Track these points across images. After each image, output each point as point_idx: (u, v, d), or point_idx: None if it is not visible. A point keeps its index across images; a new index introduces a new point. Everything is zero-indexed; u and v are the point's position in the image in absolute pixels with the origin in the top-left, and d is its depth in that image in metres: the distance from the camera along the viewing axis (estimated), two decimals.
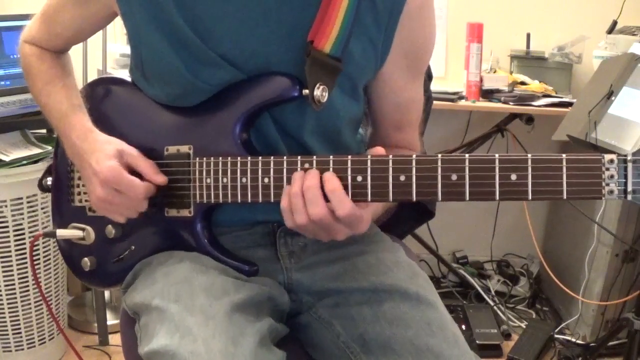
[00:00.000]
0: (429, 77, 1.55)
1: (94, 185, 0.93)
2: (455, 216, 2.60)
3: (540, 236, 2.60)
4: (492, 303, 2.44)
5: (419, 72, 1.03)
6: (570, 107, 2.04)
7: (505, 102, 2.22)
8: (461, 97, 2.26)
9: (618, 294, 2.12)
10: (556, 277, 2.22)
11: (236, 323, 0.82)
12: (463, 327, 2.22)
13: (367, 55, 0.94)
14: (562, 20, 2.46)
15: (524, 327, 2.29)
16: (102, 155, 0.93)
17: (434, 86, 1.67)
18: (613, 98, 1.65)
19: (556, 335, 2.21)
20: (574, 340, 2.20)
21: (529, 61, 2.44)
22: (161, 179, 0.93)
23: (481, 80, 2.28)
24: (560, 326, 2.30)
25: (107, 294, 2.23)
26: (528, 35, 2.46)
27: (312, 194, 0.82)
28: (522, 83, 2.34)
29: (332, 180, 0.82)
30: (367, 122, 1.09)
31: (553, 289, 2.41)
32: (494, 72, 2.41)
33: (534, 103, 2.20)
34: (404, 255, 1.02)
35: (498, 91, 2.27)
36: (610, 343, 2.01)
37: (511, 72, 2.43)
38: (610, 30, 2.27)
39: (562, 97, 2.24)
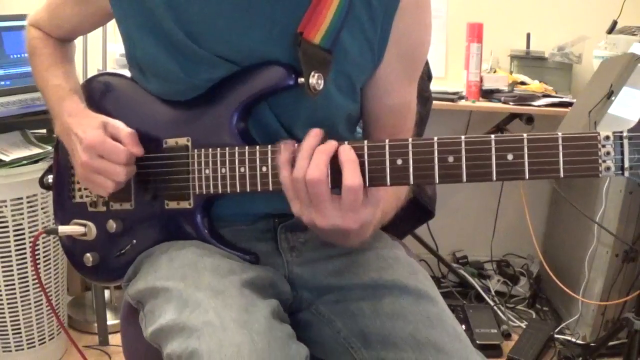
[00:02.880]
0: (428, 77, 1.54)
1: (79, 152, 0.95)
2: (455, 216, 2.60)
3: (540, 236, 2.60)
4: (492, 303, 2.44)
5: (413, 75, 1.03)
6: (570, 107, 2.04)
7: (505, 102, 2.22)
8: (461, 97, 2.26)
9: (618, 294, 2.12)
10: (556, 277, 2.22)
11: (247, 296, 0.83)
12: (463, 327, 2.20)
13: (363, 53, 0.94)
14: (562, 20, 2.46)
15: (524, 327, 2.29)
16: (88, 126, 0.95)
17: (434, 86, 1.67)
18: (613, 98, 1.65)
19: (556, 335, 2.21)
20: (574, 340, 2.20)
21: (529, 61, 2.44)
22: (138, 150, 0.94)
23: (481, 80, 2.28)
24: (560, 326, 2.30)
25: (107, 294, 2.23)
26: (528, 35, 2.46)
27: (319, 158, 0.80)
28: (522, 83, 2.34)
29: (349, 152, 0.80)
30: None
31: (553, 289, 2.41)
32: (494, 72, 2.41)
33: (534, 103, 2.20)
34: (404, 252, 1.02)
35: (498, 91, 2.27)
36: (610, 343, 2.01)
37: (511, 72, 2.43)
38: (610, 30, 2.27)
39: (562, 97, 2.24)
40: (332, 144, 0.81)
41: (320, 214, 0.81)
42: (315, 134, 0.83)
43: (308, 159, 0.80)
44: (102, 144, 0.92)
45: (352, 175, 0.79)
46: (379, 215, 0.87)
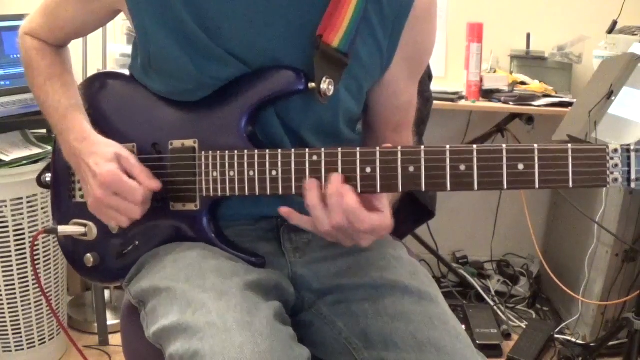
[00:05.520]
0: (428, 77, 1.55)
1: (93, 186, 0.93)
2: (455, 216, 2.60)
3: (540, 236, 2.60)
4: (492, 303, 2.44)
5: (418, 75, 1.04)
6: (570, 107, 2.04)
7: (505, 102, 2.22)
8: (461, 97, 2.26)
9: (618, 294, 2.12)
10: (556, 277, 2.22)
11: (250, 298, 0.83)
12: (463, 327, 2.21)
13: (373, 58, 0.95)
14: (562, 20, 2.46)
15: (524, 327, 2.29)
16: (101, 158, 0.93)
17: (434, 86, 1.67)
18: (613, 98, 1.65)
19: (556, 335, 2.21)
20: (574, 340, 2.20)
21: (529, 61, 2.44)
22: (155, 184, 0.93)
23: (481, 80, 2.28)
24: (560, 326, 2.30)
25: (107, 294, 2.23)
26: (528, 35, 2.46)
27: (334, 201, 0.82)
28: (522, 83, 2.34)
29: (348, 195, 0.81)
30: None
31: (553, 289, 2.41)
32: (494, 72, 2.41)
33: (534, 103, 2.20)
34: (406, 252, 1.02)
35: (498, 91, 2.27)
36: (610, 343, 2.01)
37: (511, 72, 2.43)
38: (610, 30, 2.27)
39: (562, 97, 2.24)
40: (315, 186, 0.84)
41: (354, 242, 0.86)
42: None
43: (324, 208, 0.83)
44: (119, 183, 0.91)
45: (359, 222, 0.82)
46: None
